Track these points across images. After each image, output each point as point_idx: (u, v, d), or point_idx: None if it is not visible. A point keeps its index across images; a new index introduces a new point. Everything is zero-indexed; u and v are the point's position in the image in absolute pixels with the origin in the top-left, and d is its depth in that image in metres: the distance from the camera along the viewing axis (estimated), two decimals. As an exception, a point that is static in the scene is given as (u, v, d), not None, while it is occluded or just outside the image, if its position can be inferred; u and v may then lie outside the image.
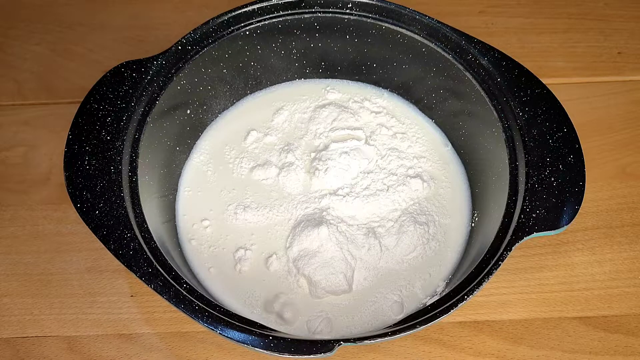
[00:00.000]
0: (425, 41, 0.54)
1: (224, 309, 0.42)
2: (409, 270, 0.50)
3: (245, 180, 0.56)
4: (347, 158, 0.55)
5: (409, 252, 0.51)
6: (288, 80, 0.61)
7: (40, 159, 0.60)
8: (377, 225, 0.52)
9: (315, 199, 0.53)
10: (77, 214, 0.45)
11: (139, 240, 0.44)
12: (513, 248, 0.44)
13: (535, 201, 0.45)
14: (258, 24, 0.55)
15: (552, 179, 0.46)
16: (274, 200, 0.54)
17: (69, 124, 0.49)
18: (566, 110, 0.50)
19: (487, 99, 0.51)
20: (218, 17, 0.54)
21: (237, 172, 0.56)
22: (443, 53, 0.54)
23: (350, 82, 0.61)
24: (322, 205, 0.53)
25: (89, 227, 0.44)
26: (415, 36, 0.54)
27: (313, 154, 0.56)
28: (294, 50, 0.58)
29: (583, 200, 0.45)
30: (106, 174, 0.47)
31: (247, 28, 0.55)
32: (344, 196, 0.53)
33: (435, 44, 0.54)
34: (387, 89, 0.61)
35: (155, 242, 0.45)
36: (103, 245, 0.44)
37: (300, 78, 0.61)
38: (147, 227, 0.45)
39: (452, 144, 0.57)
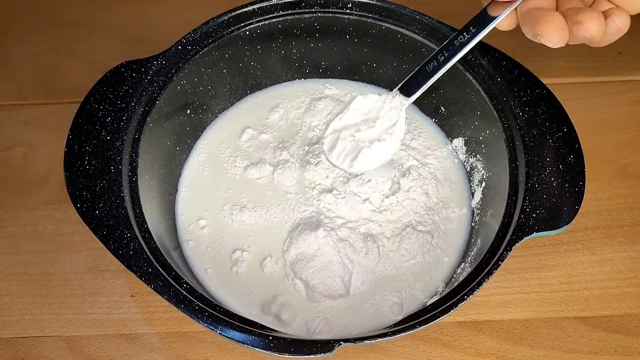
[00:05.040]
0: (425, 41, 0.54)
1: (223, 309, 0.42)
2: (408, 275, 0.50)
3: (240, 179, 0.56)
4: None
5: (407, 259, 0.51)
6: (288, 80, 0.61)
7: (40, 159, 0.60)
8: (376, 230, 0.52)
9: (313, 199, 0.53)
10: (77, 214, 0.45)
11: (139, 240, 0.44)
12: (513, 248, 0.44)
13: (535, 201, 0.45)
14: (258, 24, 0.55)
15: (552, 179, 0.46)
16: (271, 200, 0.54)
17: (69, 124, 0.49)
18: (566, 110, 0.50)
19: (487, 99, 0.51)
20: (218, 17, 0.54)
21: (232, 171, 0.56)
22: (443, 53, 0.54)
23: (350, 81, 0.61)
24: (320, 207, 0.53)
25: (89, 227, 0.44)
26: (415, 36, 0.54)
27: (307, 147, 0.56)
28: (294, 50, 0.58)
29: (583, 200, 0.45)
30: (106, 174, 0.47)
31: (247, 28, 0.55)
32: (344, 197, 0.53)
33: (435, 44, 0.54)
34: (387, 88, 0.61)
35: (155, 242, 0.45)
36: (103, 245, 0.44)
37: (300, 78, 0.61)
38: (147, 227, 0.45)
39: (451, 144, 0.57)
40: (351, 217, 0.52)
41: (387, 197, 0.53)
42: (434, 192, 0.54)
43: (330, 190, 0.53)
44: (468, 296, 0.41)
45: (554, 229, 0.44)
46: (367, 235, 0.51)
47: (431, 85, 0.56)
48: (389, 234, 0.51)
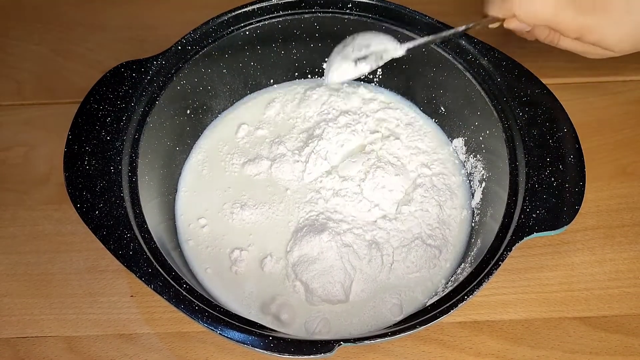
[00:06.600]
0: (426, 41, 0.54)
1: (223, 309, 0.42)
2: (411, 284, 0.50)
3: (239, 177, 0.55)
4: (341, 134, 0.54)
5: (412, 272, 0.50)
6: (288, 80, 0.61)
7: (40, 159, 0.60)
8: (382, 238, 0.51)
9: (319, 199, 0.53)
10: (77, 214, 0.45)
11: (138, 241, 0.44)
12: (513, 248, 0.44)
13: (535, 201, 0.45)
14: (258, 24, 0.55)
15: (552, 179, 0.46)
16: (272, 196, 0.54)
17: (69, 124, 0.49)
18: (566, 110, 0.50)
19: (487, 99, 0.51)
20: (218, 17, 0.54)
21: (230, 169, 0.56)
22: (443, 53, 0.54)
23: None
24: (327, 208, 0.52)
25: (89, 227, 0.44)
26: (415, 36, 0.54)
27: (302, 135, 0.56)
28: (294, 51, 0.58)
29: (583, 200, 0.45)
30: (106, 174, 0.47)
31: (247, 28, 0.55)
32: (352, 200, 0.52)
33: (436, 44, 0.54)
34: (387, 88, 0.61)
35: (155, 243, 0.45)
36: (103, 245, 0.44)
37: (300, 78, 0.61)
38: (147, 227, 0.45)
39: (452, 144, 0.57)
40: (358, 222, 0.52)
41: (399, 206, 0.52)
42: (439, 194, 0.53)
43: (338, 193, 0.53)
44: (468, 296, 0.41)
45: (554, 229, 0.44)
46: (372, 243, 0.51)
47: (431, 86, 0.57)
48: (396, 244, 0.51)
